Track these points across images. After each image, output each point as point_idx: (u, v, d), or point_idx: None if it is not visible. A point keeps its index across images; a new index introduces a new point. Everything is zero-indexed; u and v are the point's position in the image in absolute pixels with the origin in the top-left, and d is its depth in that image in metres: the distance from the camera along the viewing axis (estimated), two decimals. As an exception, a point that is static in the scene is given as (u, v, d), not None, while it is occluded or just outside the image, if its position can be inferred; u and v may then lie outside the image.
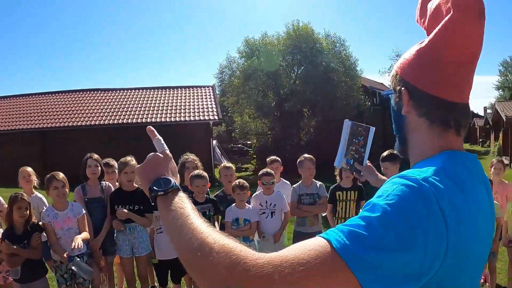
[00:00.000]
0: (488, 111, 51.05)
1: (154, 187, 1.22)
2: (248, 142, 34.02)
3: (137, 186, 4.95)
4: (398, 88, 1.20)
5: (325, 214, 5.81)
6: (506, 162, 24.75)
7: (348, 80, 26.05)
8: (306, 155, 5.71)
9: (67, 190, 4.55)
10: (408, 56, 1.18)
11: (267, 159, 6.31)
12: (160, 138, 1.44)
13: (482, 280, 5.78)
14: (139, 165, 1.35)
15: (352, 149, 2.11)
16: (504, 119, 26.86)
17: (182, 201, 1.15)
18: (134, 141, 19.00)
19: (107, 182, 5.26)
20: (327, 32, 28.00)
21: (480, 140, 48.28)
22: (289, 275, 0.83)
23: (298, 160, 5.70)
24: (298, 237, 5.61)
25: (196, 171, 5.19)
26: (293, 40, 25.60)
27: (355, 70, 27.53)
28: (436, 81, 1.11)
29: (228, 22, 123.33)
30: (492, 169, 6.15)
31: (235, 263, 0.86)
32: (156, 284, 5.55)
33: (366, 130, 2.01)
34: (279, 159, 6.24)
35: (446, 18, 1.07)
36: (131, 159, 4.95)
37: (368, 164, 2.18)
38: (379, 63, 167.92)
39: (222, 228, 5.06)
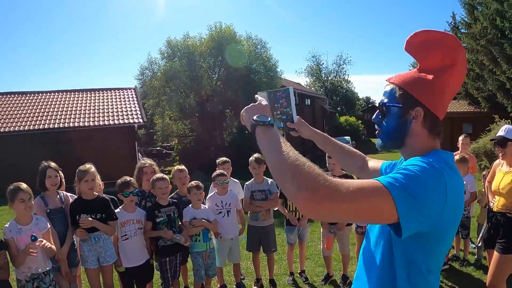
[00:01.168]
0: None
1: (258, 119, 1.60)
2: (167, 145, 33.62)
3: (97, 194, 4.78)
4: (410, 105, 1.62)
5: (276, 208, 6.12)
6: None
7: (268, 81, 26.44)
8: (255, 155, 5.84)
9: (32, 202, 4.33)
10: (420, 81, 1.62)
11: (218, 160, 6.45)
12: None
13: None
14: (248, 106, 1.74)
15: (277, 113, 2.13)
16: None
17: (278, 132, 1.55)
18: (57, 146, 18.37)
19: (64, 192, 5.06)
20: (249, 34, 28.39)
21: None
22: (352, 192, 1.26)
23: (249, 159, 5.94)
24: (252, 230, 6.05)
25: (158, 174, 5.29)
26: (215, 41, 25.58)
27: (275, 71, 28.05)
28: (440, 107, 1.63)
29: (150, 23, 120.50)
30: (461, 143, 7.06)
31: (320, 174, 1.27)
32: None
33: (285, 92, 2.09)
34: (229, 160, 6.45)
35: (452, 68, 1.61)
36: (91, 167, 4.76)
37: (298, 118, 2.26)
38: (295, 64, 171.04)
39: (181, 230, 5.14)
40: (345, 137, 36.82)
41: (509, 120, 17.06)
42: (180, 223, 5.18)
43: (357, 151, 2.41)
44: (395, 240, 1.50)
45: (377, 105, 1.81)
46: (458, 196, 1.50)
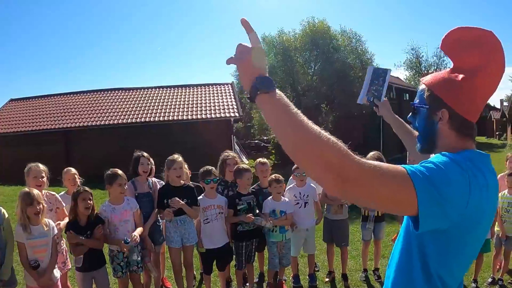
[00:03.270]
0: (505, 103, 51.26)
1: (261, 85, 1.37)
2: (265, 138, 34.18)
3: (183, 182, 5.31)
4: (437, 106, 1.60)
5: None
6: None
7: (364, 75, 26.15)
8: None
9: (126, 186, 4.92)
10: (448, 83, 1.59)
11: None
12: (256, 33, 1.51)
13: (497, 267, 6.10)
14: (236, 57, 1.48)
15: (372, 88, 2.47)
16: None
17: (286, 98, 1.37)
18: (157, 138, 19.52)
19: (154, 179, 5.63)
20: (343, 28, 28.31)
21: (497, 133, 48.35)
22: (378, 175, 1.26)
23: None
24: (326, 222, 6.32)
25: (243, 165, 5.73)
26: (309, 36, 25.79)
27: (372, 65, 27.70)
28: (469, 109, 1.57)
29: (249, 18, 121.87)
30: (508, 163, 6.39)
31: (347, 152, 1.24)
32: (200, 271, 5.96)
33: (385, 71, 2.41)
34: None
35: (485, 68, 1.53)
36: (178, 157, 5.26)
37: (385, 99, 2.50)
38: (394, 57, 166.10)
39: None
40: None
41: None
42: (258, 211, 5.47)
43: None
44: (413, 233, 1.49)
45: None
46: (486, 197, 1.44)
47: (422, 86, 1.69)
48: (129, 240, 4.61)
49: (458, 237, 1.45)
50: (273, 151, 28.21)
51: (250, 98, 1.40)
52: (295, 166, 5.86)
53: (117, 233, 4.80)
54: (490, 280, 6.01)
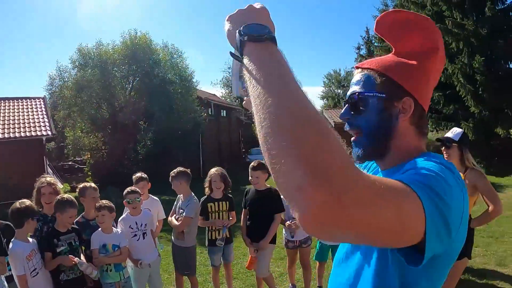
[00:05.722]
0: None
1: (248, 30, 1.03)
2: (79, 159, 32.55)
3: None
4: (397, 95, 1.34)
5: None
6: None
7: (184, 91, 26.38)
8: (179, 168, 5.88)
9: None
10: (404, 66, 1.36)
11: (133, 177, 6.24)
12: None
13: None
14: (235, 12, 1.17)
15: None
16: (333, 125, 30.18)
17: (283, 56, 1.01)
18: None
19: None
20: (165, 43, 28.44)
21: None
22: (384, 194, 0.88)
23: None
24: (172, 248, 6.06)
25: (67, 196, 4.67)
26: (129, 49, 25.35)
27: (191, 82, 28.05)
28: (426, 96, 1.39)
29: (60, 30, 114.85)
30: None
31: (349, 159, 0.84)
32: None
33: None
34: (145, 175, 6.25)
35: (436, 52, 1.36)
36: None
37: None
38: (211, 75, 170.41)
39: (90, 259, 4.70)
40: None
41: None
42: (83, 252, 4.76)
43: None
44: (395, 270, 1.19)
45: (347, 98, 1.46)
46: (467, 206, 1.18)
47: (364, 73, 1.41)
48: None
49: (452, 254, 1.21)
50: (89, 173, 26.91)
51: (237, 47, 1.06)
52: (126, 190, 5.35)
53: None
54: None
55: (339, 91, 65.10)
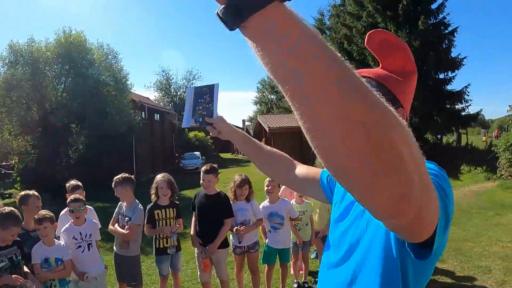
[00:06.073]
0: (247, 123, 57.66)
1: None
2: (5, 163, 31.04)
3: None
4: (393, 105, 1.21)
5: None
6: None
7: (118, 94, 25.78)
8: (124, 174, 5.67)
9: None
10: (396, 80, 1.45)
11: (67, 185, 5.98)
12: None
13: (300, 272, 6.96)
14: None
15: (199, 108, 2.10)
16: (267, 130, 31.06)
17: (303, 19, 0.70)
18: None
19: None
20: (101, 43, 27.62)
21: (243, 149, 53.03)
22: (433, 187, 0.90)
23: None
24: (114, 257, 5.81)
25: (8, 209, 4.26)
26: (63, 48, 24.34)
27: (125, 84, 27.49)
28: (408, 110, 1.49)
29: None
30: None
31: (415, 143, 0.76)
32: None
33: (210, 87, 2.08)
34: (80, 183, 6.01)
35: (414, 75, 1.48)
36: None
37: (219, 116, 2.08)
38: (144, 78, 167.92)
39: (31, 273, 4.39)
40: (195, 153, 37.32)
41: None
42: (26, 267, 4.38)
43: (279, 151, 2.17)
44: (398, 271, 1.24)
45: None
46: None
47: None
48: None
49: (438, 256, 1.24)
50: (18, 179, 25.56)
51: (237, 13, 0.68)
52: (70, 198, 5.07)
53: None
54: (295, 285, 6.74)
55: (272, 96, 66.16)
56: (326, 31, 33.79)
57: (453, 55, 24.90)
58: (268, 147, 2.14)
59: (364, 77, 1.26)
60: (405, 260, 1.21)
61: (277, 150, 2.14)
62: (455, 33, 24.59)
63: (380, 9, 23.65)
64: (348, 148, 0.68)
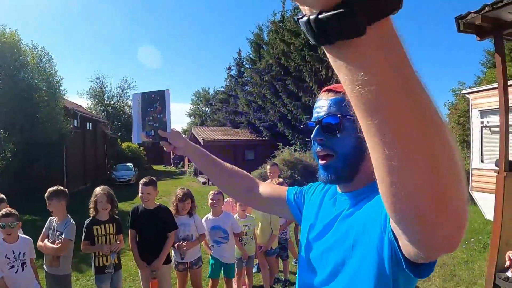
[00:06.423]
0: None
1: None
2: None
3: None
4: None
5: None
6: (203, 180, 27.43)
7: (50, 100, 24.67)
8: (59, 187, 5.42)
9: None
10: None
11: None
12: None
13: (244, 287, 6.93)
14: None
15: (149, 119, 1.87)
16: (201, 142, 31.34)
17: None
18: None
19: None
20: (35, 45, 26.35)
21: (174, 161, 52.39)
22: None
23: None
24: (45, 276, 5.32)
25: None
26: (-5, 47, 22.85)
27: (58, 90, 26.43)
28: None
29: None
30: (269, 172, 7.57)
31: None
32: None
33: (160, 94, 1.83)
34: (3, 196, 5.61)
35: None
36: None
37: (173, 129, 1.91)
38: (78, 84, 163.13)
39: None
40: (128, 164, 36.40)
41: (290, 147, 20.39)
42: None
43: (239, 169, 2.09)
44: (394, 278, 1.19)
45: (322, 118, 1.44)
46: None
47: (341, 96, 1.40)
48: None
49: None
50: None
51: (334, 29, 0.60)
52: (1, 213, 4.73)
53: None
54: None
55: (206, 109, 66.13)
56: (264, 46, 34.14)
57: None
58: (229, 165, 2.04)
59: (340, 92, 1.42)
60: (397, 279, 1.19)
61: (238, 168, 2.06)
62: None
63: (321, 27, 23.93)
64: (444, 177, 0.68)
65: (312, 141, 1.47)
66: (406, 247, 0.97)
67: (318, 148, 1.45)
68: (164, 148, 1.96)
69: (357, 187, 1.43)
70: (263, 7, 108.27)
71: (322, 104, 1.46)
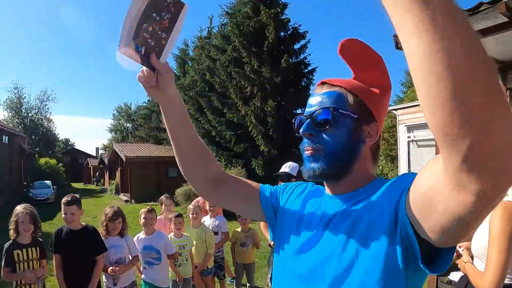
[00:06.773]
0: (101, 151, 56.06)
1: None
2: None
3: None
4: (367, 118, 1.31)
5: None
6: (125, 198, 27.01)
7: None
8: None
9: None
10: (371, 92, 1.33)
11: None
12: None
13: None
14: None
15: (147, 29, 1.29)
16: (124, 159, 30.47)
17: None
18: None
19: None
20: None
21: (94, 179, 50.94)
22: None
23: None
24: None
25: None
26: None
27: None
28: (381, 126, 1.35)
29: None
30: (163, 206, 7.02)
31: None
32: None
33: (176, 4, 1.29)
34: None
35: (389, 91, 1.37)
36: None
37: (166, 64, 1.40)
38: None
39: None
40: (46, 181, 34.74)
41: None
42: None
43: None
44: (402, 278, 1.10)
45: (315, 110, 1.33)
46: None
47: (336, 89, 1.32)
48: None
49: None
50: None
51: None
52: None
53: None
54: None
55: (128, 125, 64.78)
56: (189, 62, 34.03)
57: (311, 92, 26.14)
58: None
59: (336, 86, 1.33)
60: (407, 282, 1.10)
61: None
62: (314, 72, 26.29)
63: (246, 44, 24.33)
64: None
65: (302, 137, 1.36)
66: (436, 223, 0.90)
67: (307, 144, 1.33)
68: (141, 84, 1.40)
69: (351, 189, 1.31)
70: (189, 22, 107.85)
71: (315, 98, 1.37)
